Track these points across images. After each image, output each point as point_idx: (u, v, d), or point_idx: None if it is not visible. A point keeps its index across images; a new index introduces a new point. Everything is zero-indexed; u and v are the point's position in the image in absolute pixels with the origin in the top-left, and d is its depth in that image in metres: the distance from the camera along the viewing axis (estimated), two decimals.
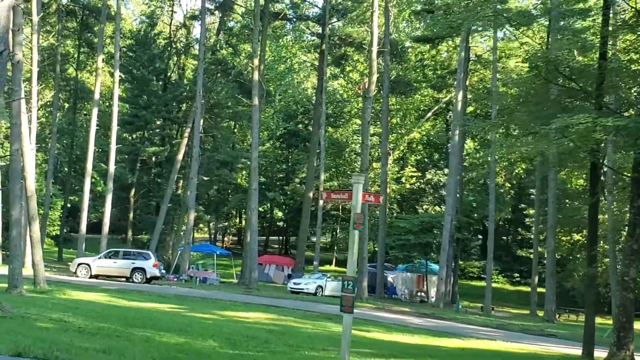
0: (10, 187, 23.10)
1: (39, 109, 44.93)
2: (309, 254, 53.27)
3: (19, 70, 23.31)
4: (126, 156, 51.76)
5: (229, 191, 66.37)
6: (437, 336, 22.46)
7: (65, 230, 55.40)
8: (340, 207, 61.19)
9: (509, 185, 55.62)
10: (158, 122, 53.10)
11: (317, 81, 50.13)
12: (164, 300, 27.57)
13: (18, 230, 23.12)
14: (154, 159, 52.85)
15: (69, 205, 54.43)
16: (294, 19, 53.24)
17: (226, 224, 73.57)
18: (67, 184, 54.98)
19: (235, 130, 66.10)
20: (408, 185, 57.88)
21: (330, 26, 48.11)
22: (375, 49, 37.81)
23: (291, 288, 39.16)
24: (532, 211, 50.08)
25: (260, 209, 55.94)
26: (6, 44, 16.14)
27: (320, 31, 50.59)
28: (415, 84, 52.16)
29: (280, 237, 73.23)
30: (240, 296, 33.28)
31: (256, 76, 40.07)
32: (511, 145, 19.42)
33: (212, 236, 74.34)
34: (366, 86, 38.90)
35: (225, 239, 77.07)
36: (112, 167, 41.82)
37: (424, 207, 59.62)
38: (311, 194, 48.29)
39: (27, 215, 26.33)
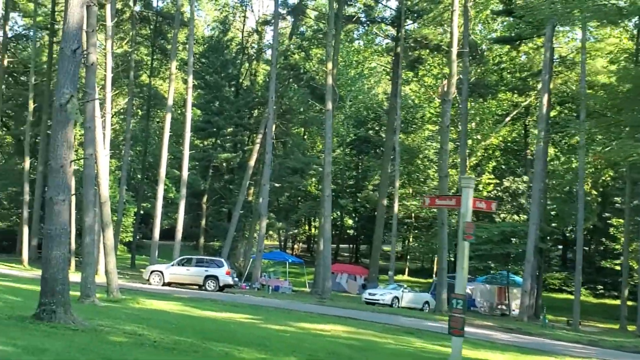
0: (83, 193, 22.63)
1: (112, 116, 44.97)
2: (382, 263, 51.88)
3: (93, 72, 22.80)
4: (197, 163, 51.54)
5: (299, 198, 65.59)
6: (528, 354, 20.85)
7: (137, 237, 55.52)
8: (413, 214, 59.64)
9: (595, 193, 53.03)
10: (230, 129, 52.59)
11: (391, 85, 48.90)
12: (238, 309, 26.85)
13: (92, 237, 22.64)
14: (225, 165, 52.41)
15: (141, 212, 54.52)
16: (368, 22, 52.05)
17: (296, 231, 72.83)
18: (140, 191, 55.07)
19: (305, 136, 65.33)
20: (485, 193, 55.84)
21: (404, 28, 46.70)
22: (455, 49, 36.27)
23: (366, 299, 37.87)
24: (618, 220, 47.48)
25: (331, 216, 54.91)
26: (79, 42, 15.42)
27: (394, 34, 49.38)
28: (492, 88, 50.29)
29: (351, 246, 72.01)
30: (314, 306, 32.27)
31: (329, 80, 39.11)
32: (621, 147, 17.71)
33: (282, 244, 73.70)
34: (445, 89, 37.36)
35: (295, 246, 76.36)
36: (185, 174, 41.42)
37: (501, 215, 57.44)
38: (385, 201, 46.97)
39: (101, 221, 25.84)
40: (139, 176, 59.55)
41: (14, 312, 15.10)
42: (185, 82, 49.10)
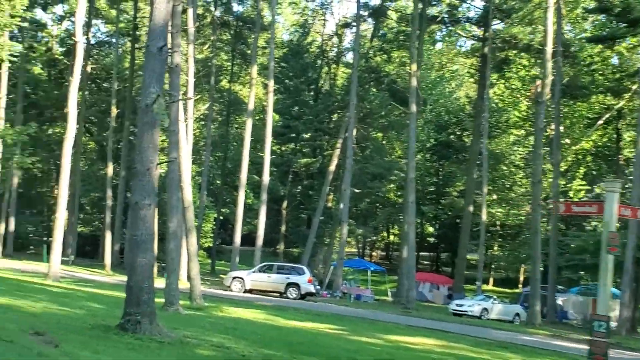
0: (167, 198, 22.15)
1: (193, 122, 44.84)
2: (465, 273, 50.10)
3: (177, 74, 22.29)
4: (277, 168, 51.03)
5: (377, 204, 64.33)
6: None
7: (216, 243, 55.42)
8: (499, 222, 57.58)
9: None
10: (309, 134, 51.87)
11: (478, 87, 47.26)
12: (322, 319, 25.99)
13: (176, 243, 22.10)
14: (305, 170, 51.72)
15: (220, 217, 54.41)
16: (452, 22, 50.49)
17: (374, 238, 71.57)
18: (220, 197, 54.96)
19: (384, 141, 64.04)
20: (576, 200, 53.38)
21: (491, 28, 44.97)
22: (549, 48, 34.52)
23: (453, 310, 36.36)
24: None
25: None
26: (165, 40, 14.73)
27: (479, 34, 47.74)
28: (586, 89, 47.96)
29: (431, 254, 70.25)
30: (399, 317, 31.11)
31: (414, 82, 37.89)
32: None
33: (361, 250, 72.54)
34: (539, 89, 35.60)
35: (373, 253, 75.08)
36: (266, 179, 40.83)
37: (592, 223, 54.81)
38: (471, 208, 45.28)
39: (184, 227, 25.33)
40: (217, 182, 59.50)
41: (98, 321, 14.55)
42: (265, 86, 48.61)
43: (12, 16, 27.17)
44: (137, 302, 13.35)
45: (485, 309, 36.07)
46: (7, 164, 25.76)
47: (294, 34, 59.16)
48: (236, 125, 60.91)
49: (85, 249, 55.89)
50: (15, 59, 30.65)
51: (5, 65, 30.50)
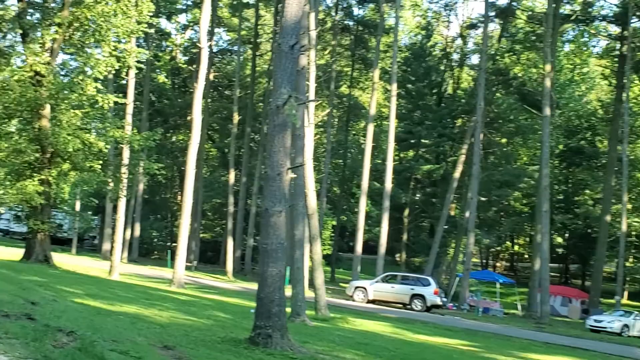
0: (293, 205, 21.39)
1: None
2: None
3: (303, 77, 21.56)
4: (398, 175, 49.70)
5: (501, 213, 61.73)
6: None
7: (336, 250, 54.73)
8: (635, 232, 53.83)
9: None
10: (432, 139, 50.26)
11: (615, 90, 44.29)
12: (452, 334, 24.67)
13: (301, 252, 21.33)
14: (427, 177, 50.15)
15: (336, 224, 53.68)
16: (586, 21, 47.58)
17: (499, 248, 68.84)
18: (339, 204, 54.25)
19: (509, 147, 61.42)
20: None
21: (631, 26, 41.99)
22: None
23: (591, 326, 33.92)
24: None
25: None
26: (298, 37, 13.86)
27: (615, 33, 44.79)
28: None
29: (560, 265, 66.77)
30: (533, 333, 29.32)
31: (547, 83, 35.87)
32: None
33: (484, 261, 69.99)
34: None
35: (497, 264, 72.27)
36: (388, 185, 39.64)
37: None
38: (608, 217, 42.38)
39: (309, 234, 24.58)
40: (334, 189, 58.88)
41: (227, 334, 13.87)
42: (386, 91, 47.60)
43: (138, 22, 27.29)
44: (267, 314, 12.61)
45: (626, 326, 33.52)
46: (134, 170, 25.83)
47: (415, 37, 57.76)
48: (353, 132, 60.11)
49: (206, 255, 56.56)
50: (142, 65, 30.86)
51: (132, 72, 30.77)
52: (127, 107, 30.64)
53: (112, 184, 26.06)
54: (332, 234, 53.27)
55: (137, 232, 50.64)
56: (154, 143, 26.15)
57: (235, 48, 55.41)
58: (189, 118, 60.06)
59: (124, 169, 27.60)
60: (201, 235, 57.17)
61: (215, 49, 55.82)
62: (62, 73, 26.12)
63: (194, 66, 60.45)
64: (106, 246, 47.64)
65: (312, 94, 34.80)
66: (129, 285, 24.46)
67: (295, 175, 17.67)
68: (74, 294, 16.87)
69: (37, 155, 23.87)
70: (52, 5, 26.24)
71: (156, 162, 27.05)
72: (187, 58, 60.52)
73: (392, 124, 39.87)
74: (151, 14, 27.42)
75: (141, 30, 27.95)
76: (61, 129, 24.08)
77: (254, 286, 38.90)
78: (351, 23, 50.10)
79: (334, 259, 52.24)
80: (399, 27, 55.30)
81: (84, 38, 25.94)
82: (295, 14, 13.58)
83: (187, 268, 46.80)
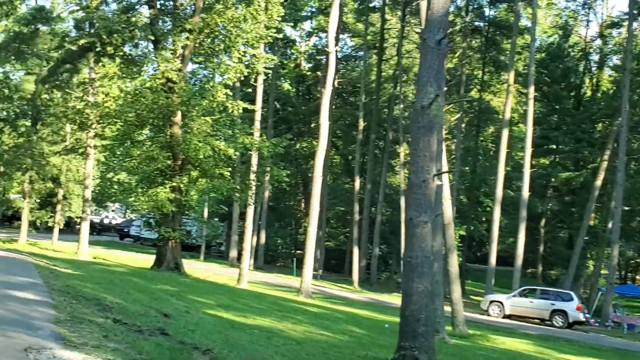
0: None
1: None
2: None
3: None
4: (533, 182, 47.13)
5: None
6: None
7: (464, 261, 52.61)
8: None
9: None
10: (571, 145, 47.29)
11: None
12: (601, 354, 22.87)
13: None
14: (566, 185, 47.24)
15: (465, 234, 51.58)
16: None
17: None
18: (467, 212, 52.21)
19: None
20: None
21: None
22: None
23: None
24: None
25: None
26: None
27: None
28: None
29: None
30: None
31: None
32: None
33: (623, 274, 65.58)
34: None
35: (638, 277, 67.56)
36: (525, 194, 37.42)
37: None
38: None
39: (444, 246, 23.16)
40: (461, 197, 56.73)
41: (367, 352, 12.95)
42: (520, 94, 45.30)
43: (267, 28, 26.86)
44: (413, 334, 11.59)
45: None
46: (263, 177, 25.29)
47: (549, 38, 54.86)
48: (481, 138, 57.81)
49: (330, 263, 55.87)
50: (269, 71, 30.47)
51: (261, 79, 30.42)
52: (255, 114, 30.29)
53: (241, 191, 25.64)
54: (461, 244, 51.25)
55: (263, 240, 50.64)
56: (282, 149, 25.55)
57: (360, 54, 54.59)
58: (312, 125, 60.29)
59: (252, 176, 27.19)
60: (325, 243, 56.60)
61: (339, 55, 55.21)
62: (193, 80, 25.95)
63: (320, 72, 60.38)
64: (233, 253, 47.91)
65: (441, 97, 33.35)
66: (258, 295, 23.91)
67: (441, 182, 16.46)
68: (206, 305, 16.41)
69: (169, 162, 23.75)
70: (183, 12, 26.17)
71: (284, 169, 26.40)
72: (311, 65, 60.37)
73: (530, 128, 37.62)
74: (280, 18, 26.93)
75: (270, 36, 27.49)
76: (192, 135, 23.86)
77: (381, 297, 37.97)
78: (482, 24, 48.07)
79: (463, 271, 50.16)
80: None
81: (214, 44, 25.72)
82: (442, 6, 12.45)
83: (313, 277, 46.32)
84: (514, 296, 33.16)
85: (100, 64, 26.46)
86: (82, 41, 23.69)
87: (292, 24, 53.47)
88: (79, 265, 20.88)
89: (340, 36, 54.09)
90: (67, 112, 24.99)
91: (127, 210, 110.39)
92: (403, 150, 44.26)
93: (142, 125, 24.86)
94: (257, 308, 18.53)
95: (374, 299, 36.92)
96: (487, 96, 52.79)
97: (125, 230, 66.87)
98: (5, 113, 45.87)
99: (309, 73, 59.86)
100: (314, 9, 55.08)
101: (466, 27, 45.63)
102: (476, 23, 47.71)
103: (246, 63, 26.93)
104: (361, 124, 45.80)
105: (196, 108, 23.81)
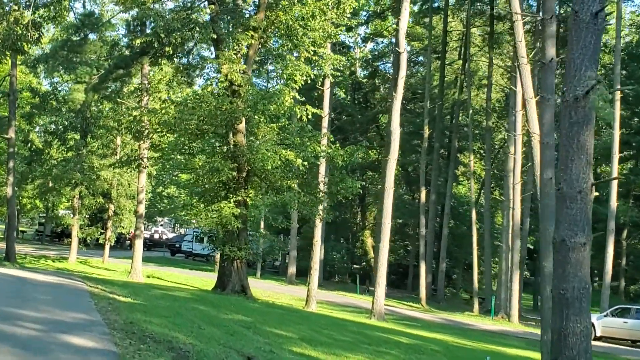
0: (541, 230, 17.36)
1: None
2: None
3: (552, 71, 17.41)
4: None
5: None
6: None
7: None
8: None
9: None
10: None
11: None
12: None
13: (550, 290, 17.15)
14: None
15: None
16: None
17: None
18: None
19: None
20: None
21: None
22: None
23: None
24: None
25: None
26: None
27: None
28: None
29: None
30: None
31: None
32: None
33: None
34: None
35: None
36: (613, 204, 33.71)
37: None
38: None
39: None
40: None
41: None
42: None
43: (335, 25, 24.44)
44: None
45: None
46: (337, 188, 22.70)
47: (624, 37, 51.34)
48: None
49: (390, 279, 52.93)
50: (338, 73, 27.98)
51: (328, 81, 28.02)
52: (322, 120, 27.79)
53: (312, 205, 23.08)
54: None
55: (322, 255, 48.11)
56: (358, 158, 22.97)
57: (420, 59, 51.88)
58: (369, 134, 57.87)
59: (322, 187, 24.67)
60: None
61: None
62: (257, 82, 23.52)
63: (377, 80, 57.96)
64: (291, 270, 45.52)
65: (518, 103, 30.72)
66: (336, 322, 21.33)
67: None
68: (289, 340, 14.00)
69: (234, 174, 21.35)
70: (246, 9, 23.84)
71: (358, 180, 23.76)
72: (367, 73, 57.94)
73: (617, 132, 34.31)
74: (350, 14, 24.49)
75: (338, 34, 25.07)
76: (260, 144, 21.47)
77: (454, 317, 35.05)
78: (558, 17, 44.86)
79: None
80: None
81: (280, 44, 23.37)
82: None
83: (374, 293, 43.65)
84: (605, 316, 30.09)
85: (156, 68, 24.24)
86: (138, 41, 21.51)
87: (346, 30, 51.02)
88: (137, 290, 18.58)
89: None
90: (122, 121, 22.80)
91: (177, 225, 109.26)
92: (472, 159, 41.39)
93: (203, 134, 22.49)
94: (343, 341, 16.09)
95: (448, 319, 34.11)
96: None
97: (177, 245, 65.09)
98: (53, 126, 44.31)
99: (364, 80, 57.36)
100: (369, 13, 52.51)
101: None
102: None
103: (314, 64, 24.50)
104: (426, 132, 42.93)
105: (263, 113, 21.33)
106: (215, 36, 22.33)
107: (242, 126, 22.72)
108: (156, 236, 71.44)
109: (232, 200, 21.78)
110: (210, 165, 20.75)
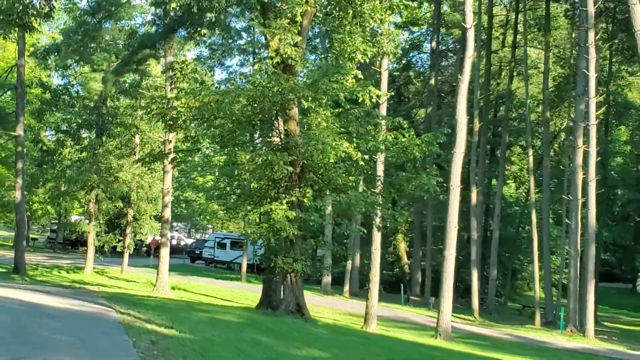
0: None
1: None
2: None
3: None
4: None
5: None
6: None
7: None
8: None
9: None
10: None
11: None
12: None
13: None
14: None
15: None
16: None
17: None
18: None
19: None
20: None
21: None
22: None
23: None
24: None
25: None
26: None
27: None
28: None
29: None
30: None
31: None
32: None
33: None
34: None
35: None
36: None
37: None
38: None
39: None
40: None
41: None
42: None
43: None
44: None
45: None
46: (410, 185, 18.70)
47: None
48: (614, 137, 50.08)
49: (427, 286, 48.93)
50: (399, 52, 24.05)
51: (386, 61, 24.15)
52: (379, 107, 23.80)
53: (383, 207, 19.03)
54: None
55: (357, 262, 44.28)
56: (438, 148, 18.97)
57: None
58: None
59: (380, 184, 20.70)
60: (422, 263, 49.90)
61: (437, 50, 48.55)
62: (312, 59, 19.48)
63: (411, 72, 53.90)
64: (326, 279, 41.69)
65: (592, 89, 26.98)
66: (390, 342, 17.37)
67: None
68: None
69: (289, 169, 17.40)
70: None
71: (434, 176, 19.70)
72: (400, 66, 53.94)
73: None
74: None
75: (401, 4, 21.17)
76: (320, 131, 17.50)
77: (516, 331, 30.97)
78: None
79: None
80: None
81: (338, 14, 19.43)
82: None
83: (420, 304, 39.82)
84: None
85: (190, 44, 20.35)
86: (172, 4, 17.50)
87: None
88: (177, 315, 14.68)
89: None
90: (151, 107, 18.86)
91: (192, 230, 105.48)
92: (531, 153, 37.28)
93: (250, 121, 18.52)
94: None
95: (515, 335, 30.09)
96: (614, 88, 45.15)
97: (197, 252, 61.39)
98: (66, 125, 40.55)
99: (396, 73, 53.34)
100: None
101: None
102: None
103: (371, 42, 20.55)
104: (477, 125, 38.72)
105: (322, 96, 17.27)
106: (259, 5, 18.44)
107: (294, 111, 18.77)
108: (173, 242, 67.40)
109: (284, 202, 17.84)
110: (263, 158, 16.78)
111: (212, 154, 22.59)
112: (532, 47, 43.84)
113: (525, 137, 47.52)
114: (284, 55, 17.76)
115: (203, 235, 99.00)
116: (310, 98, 17.70)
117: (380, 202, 19.41)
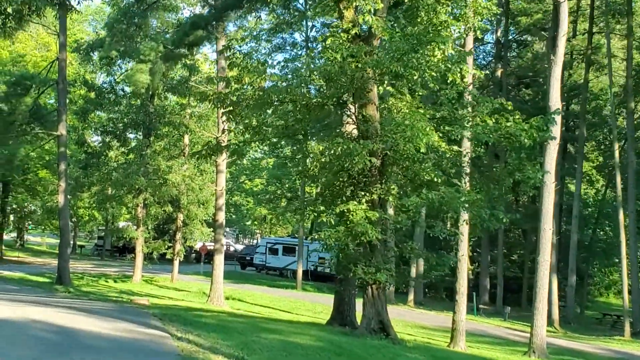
0: None
1: None
2: None
3: None
4: None
5: None
6: None
7: None
8: None
9: None
10: None
11: None
12: None
13: None
14: None
15: None
16: None
17: None
18: None
19: None
20: None
21: None
22: None
23: None
24: None
25: None
26: None
27: None
28: None
29: None
30: None
31: None
32: None
33: None
34: None
35: None
36: None
37: None
38: None
39: None
40: None
41: None
42: None
43: None
44: None
45: None
46: (507, 179, 15.67)
47: None
48: None
49: (493, 293, 45.62)
50: (489, 28, 20.98)
51: (470, 38, 21.23)
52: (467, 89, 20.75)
53: (478, 206, 16.00)
54: None
55: (421, 268, 41.15)
56: (551, 135, 15.90)
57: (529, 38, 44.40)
58: None
59: (466, 179, 17.72)
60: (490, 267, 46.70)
61: (502, 40, 45.19)
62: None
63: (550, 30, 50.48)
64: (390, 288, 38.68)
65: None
66: None
67: None
68: None
69: (371, 160, 14.57)
70: None
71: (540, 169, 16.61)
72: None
73: None
74: None
75: None
76: (409, 115, 14.61)
77: (609, 345, 27.57)
78: None
79: None
80: None
81: None
82: None
83: (491, 314, 36.73)
84: None
85: (251, 20, 17.66)
86: None
87: None
88: (243, 339, 11.90)
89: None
90: (208, 94, 16.16)
91: (240, 235, 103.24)
92: (617, 147, 33.75)
93: (322, 106, 15.72)
94: None
95: (610, 349, 26.82)
96: None
97: (248, 258, 58.87)
98: (112, 125, 38.35)
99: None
100: None
101: None
102: None
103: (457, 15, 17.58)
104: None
105: (419, 70, 14.35)
106: None
107: (374, 93, 15.89)
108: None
109: (363, 200, 15.00)
110: (343, 147, 13.97)
111: (260, 156, 20.04)
112: (611, 33, 40.30)
113: (601, 131, 44.16)
114: (363, 26, 14.93)
115: (251, 240, 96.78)
116: (398, 74, 14.76)
117: (482, 200, 16.34)
